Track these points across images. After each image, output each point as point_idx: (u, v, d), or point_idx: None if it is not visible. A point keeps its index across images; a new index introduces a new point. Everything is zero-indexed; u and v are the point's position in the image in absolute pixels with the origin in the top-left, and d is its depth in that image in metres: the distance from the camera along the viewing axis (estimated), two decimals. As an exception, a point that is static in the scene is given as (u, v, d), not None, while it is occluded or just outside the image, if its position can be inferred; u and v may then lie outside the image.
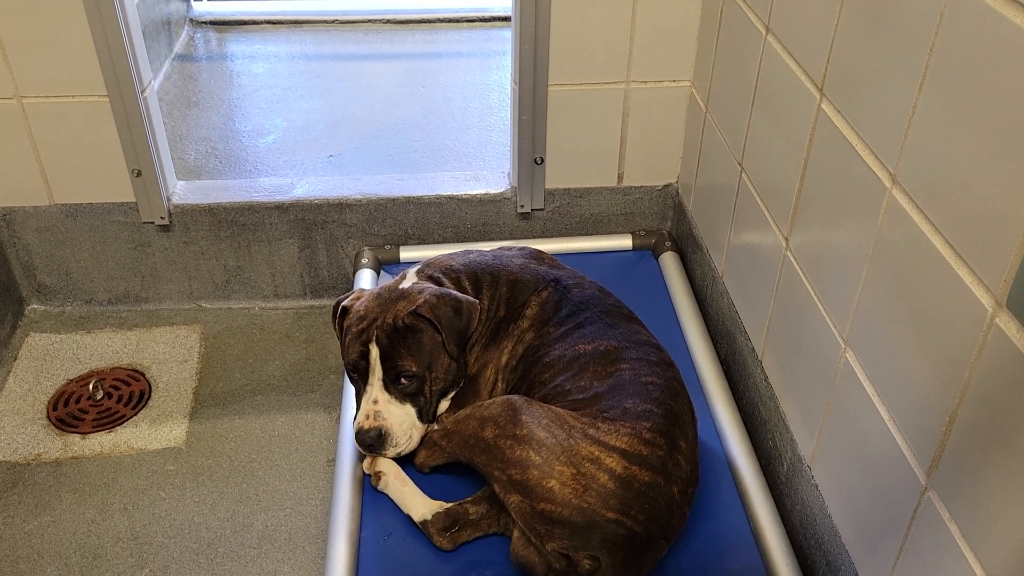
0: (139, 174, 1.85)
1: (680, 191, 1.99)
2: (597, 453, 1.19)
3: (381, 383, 1.39)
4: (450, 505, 1.35)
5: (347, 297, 1.48)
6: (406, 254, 1.94)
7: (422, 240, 2.00)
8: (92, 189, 1.88)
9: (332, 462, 1.66)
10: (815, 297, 1.29)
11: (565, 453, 1.19)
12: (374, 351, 1.38)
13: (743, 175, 1.58)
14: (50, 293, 2.01)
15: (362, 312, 1.41)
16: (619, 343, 1.38)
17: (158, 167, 1.86)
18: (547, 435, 1.21)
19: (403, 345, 1.37)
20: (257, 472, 1.67)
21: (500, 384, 1.45)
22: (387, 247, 1.97)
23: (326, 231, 1.98)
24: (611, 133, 1.91)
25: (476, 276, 1.50)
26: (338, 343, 1.49)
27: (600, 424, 1.23)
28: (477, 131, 2.49)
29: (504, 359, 1.46)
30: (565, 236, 2.03)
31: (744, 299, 1.61)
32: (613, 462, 1.19)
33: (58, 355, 1.91)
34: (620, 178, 1.98)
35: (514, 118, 1.89)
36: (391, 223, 1.98)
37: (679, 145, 1.94)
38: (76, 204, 1.89)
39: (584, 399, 1.30)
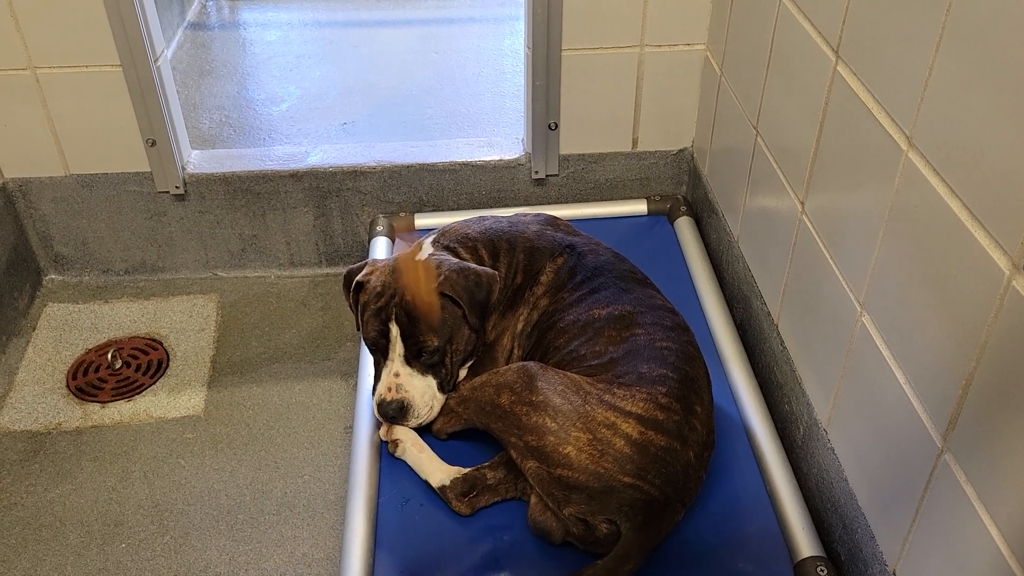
0: (153, 144, 1.85)
1: (695, 155, 1.97)
2: (613, 418, 1.20)
3: (402, 358, 1.39)
4: (468, 470, 1.36)
5: (360, 269, 1.46)
6: (421, 221, 1.94)
7: (436, 207, 2.00)
8: (107, 159, 1.88)
9: (349, 429, 1.67)
10: (831, 261, 1.28)
11: (581, 419, 1.20)
12: (394, 329, 1.37)
13: (758, 139, 1.56)
14: (67, 263, 2.03)
15: (379, 288, 1.39)
16: (634, 308, 1.37)
17: (172, 136, 1.87)
18: (563, 401, 1.22)
19: (423, 321, 1.37)
20: (275, 439, 1.68)
21: (516, 351, 1.45)
22: (402, 214, 1.96)
23: (341, 199, 1.98)
24: (625, 97, 1.89)
25: (493, 244, 1.49)
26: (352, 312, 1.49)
27: (616, 389, 1.23)
28: (491, 97, 2.47)
29: (520, 326, 1.46)
30: (580, 202, 2.02)
31: (760, 263, 1.60)
32: (629, 427, 1.19)
33: (76, 325, 1.93)
34: (635, 143, 1.96)
35: (528, 83, 1.88)
36: (405, 190, 1.98)
37: (694, 109, 1.92)
38: (91, 174, 1.90)
39: (599, 364, 1.30)
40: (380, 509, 1.38)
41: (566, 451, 1.19)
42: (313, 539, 1.51)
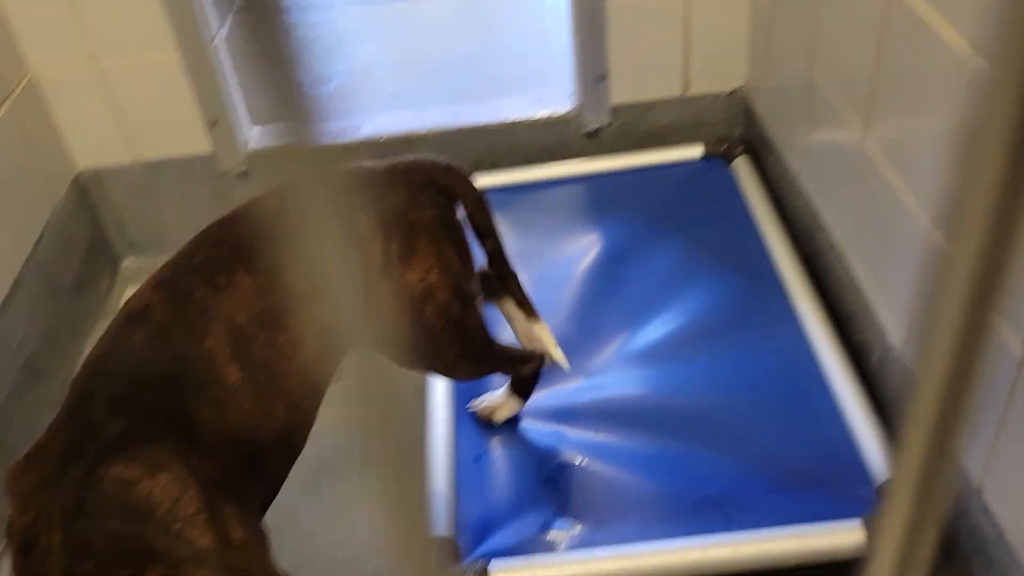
0: (215, 124, 1.90)
1: (748, 95, 1.95)
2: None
3: None
4: None
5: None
6: (478, 182, 1.95)
7: (492, 167, 2.02)
8: (171, 144, 1.94)
9: (420, 391, 1.71)
10: (898, 183, 1.26)
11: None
12: None
13: (814, 70, 1.54)
14: (142, 248, 2.10)
15: None
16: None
17: (232, 116, 1.91)
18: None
19: None
20: (351, 400, 1.73)
21: None
22: (458, 177, 1.98)
23: (397, 167, 2.01)
24: (674, 40, 1.88)
25: None
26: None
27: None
28: (537, 59, 2.47)
29: None
30: (633, 151, 2.01)
31: (822, 196, 1.59)
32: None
33: (155, 306, 2.00)
34: (686, 87, 1.94)
35: (573, 35, 1.87)
36: (459, 153, 2.00)
37: (745, 47, 1.90)
38: (157, 160, 1.96)
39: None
40: (458, 463, 1.41)
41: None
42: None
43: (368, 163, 1.23)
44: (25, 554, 0.93)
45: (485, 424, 1.46)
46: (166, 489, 0.95)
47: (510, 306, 1.38)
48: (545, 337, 1.36)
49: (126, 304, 1.11)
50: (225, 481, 1.01)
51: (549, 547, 1.27)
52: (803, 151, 1.65)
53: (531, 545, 1.27)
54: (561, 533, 1.29)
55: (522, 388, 1.41)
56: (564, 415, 1.46)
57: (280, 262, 0.87)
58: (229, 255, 1.09)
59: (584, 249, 1.79)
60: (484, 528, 1.31)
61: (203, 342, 1.03)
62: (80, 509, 0.92)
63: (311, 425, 1.18)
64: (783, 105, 1.73)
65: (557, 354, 1.37)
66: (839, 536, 1.19)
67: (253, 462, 1.07)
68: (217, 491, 0.99)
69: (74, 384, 1.04)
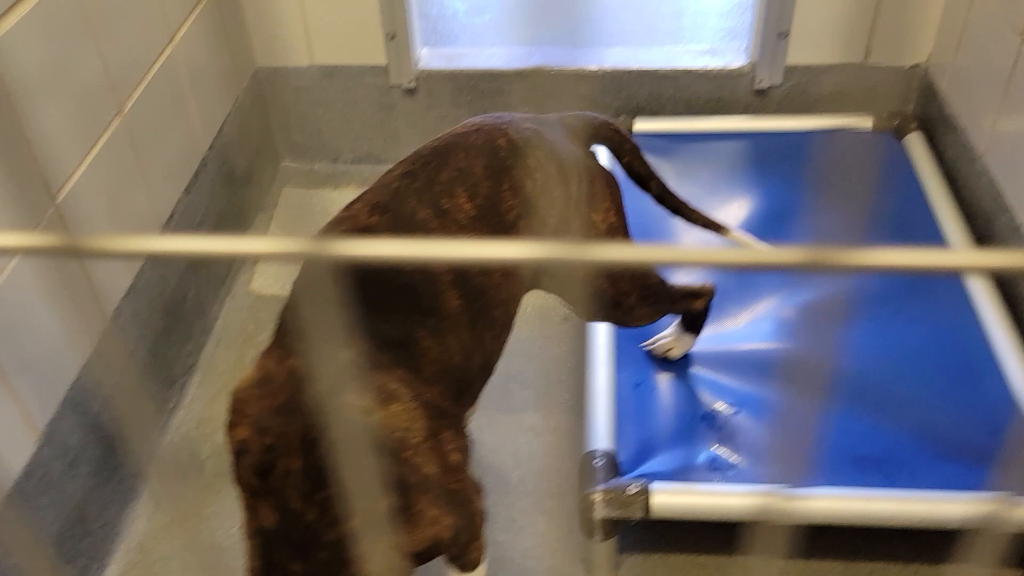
0: (393, 37, 1.94)
1: (931, 71, 1.91)
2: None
3: None
4: None
5: None
6: (640, 126, 1.97)
7: (655, 112, 2.02)
8: (348, 51, 1.98)
9: (567, 318, 1.74)
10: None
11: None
12: None
13: (1022, 46, 1.50)
14: (300, 151, 2.16)
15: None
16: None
17: (409, 32, 1.95)
18: None
19: None
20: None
21: None
22: (621, 118, 2.00)
23: (561, 100, 2.02)
24: (863, 6, 1.85)
25: None
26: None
27: None
28: (692, 15, 2.45)
29: None
30: (800, 114, 2.00)
31: (1012, 177, 1.56)
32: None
33: (310, 208, 2.07)
34: (866, 54, 1.92)
35: (761, -10, 1.86)
36: (624, 94, 2.01)
37: (935, 21, 1.86)
38: (333, 66, 2.01)
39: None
40: (618, 388, 1.44)
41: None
42: (539, 411, 1.60)
43: (531, 115, 1.26)
44: (264, 476, 0.95)
45: (645, 356, 1.49)
46: (397, 419, 0.96)
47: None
48: (743, 240, 1.36)
49: (338, 225, 1.08)
50: (442, 407, 1.03)
51: (707, 476, 1.30)
52: (994, 130, 1.62)
53: (689, 472, 1.30)
54: (720, 465, 1.31)
55: (694, 323, 1.43)
56: (722, 359, 1.48)
57: (499, 191, 0.90)
58: (451, 180, 1.09)
59: (741, 204, 1.79)
60: (643, 450, 1.34)
61: (428, 269, 1.03)
62: (318, 437, 0.95)
63: (501, 355, 1.20)
64: (975, 82, 1.70)
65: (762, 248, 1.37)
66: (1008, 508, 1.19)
67: (461, 387, 1.09)
68: (436, 417, 1.02)
69: (288, 309, 1.04)
